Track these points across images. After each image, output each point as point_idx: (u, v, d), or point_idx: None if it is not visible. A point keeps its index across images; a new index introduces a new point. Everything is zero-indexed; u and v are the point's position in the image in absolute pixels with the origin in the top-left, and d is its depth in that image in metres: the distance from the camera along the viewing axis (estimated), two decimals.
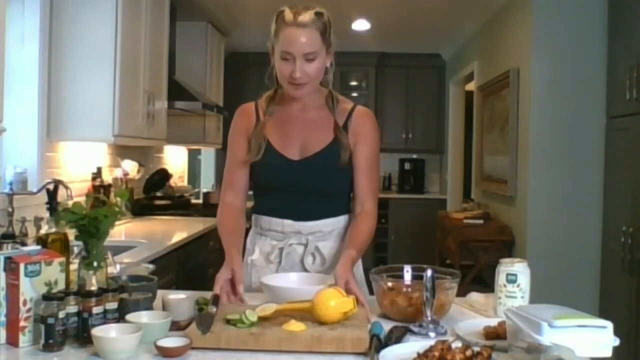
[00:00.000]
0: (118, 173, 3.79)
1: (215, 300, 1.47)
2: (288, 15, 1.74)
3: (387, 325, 1.44)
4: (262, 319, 1.37)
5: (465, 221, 4.96)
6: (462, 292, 1.73)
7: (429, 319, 1.44)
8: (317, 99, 1.89)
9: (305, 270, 1.85)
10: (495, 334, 1.40)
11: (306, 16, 1.73)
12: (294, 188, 1.83)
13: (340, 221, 1.89)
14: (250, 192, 1.95)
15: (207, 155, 6.76)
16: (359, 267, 1.87)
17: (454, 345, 1.20)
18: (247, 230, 1.96)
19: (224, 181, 1.93)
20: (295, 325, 1.33)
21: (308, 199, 1.83)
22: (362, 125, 1.86)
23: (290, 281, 1.73)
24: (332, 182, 1.85)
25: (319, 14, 1.76)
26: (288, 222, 1.85)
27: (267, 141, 1.85)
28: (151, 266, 1.87)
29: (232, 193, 1.90)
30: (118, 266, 1.69)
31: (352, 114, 1.88)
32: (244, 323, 1.33)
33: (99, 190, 3.42)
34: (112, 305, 1.37)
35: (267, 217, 1.88)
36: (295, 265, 1.86)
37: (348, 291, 1.51)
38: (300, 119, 1.87)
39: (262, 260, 1.89)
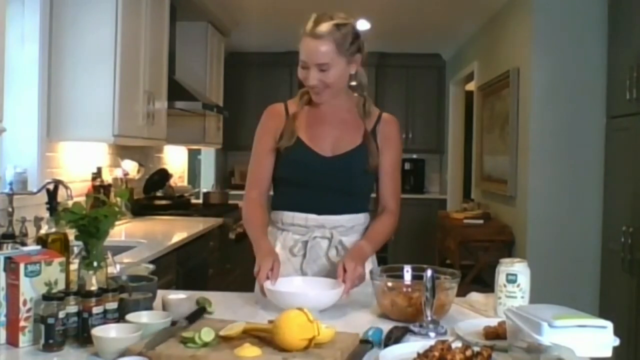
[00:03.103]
0: (118, 173, 3.79)
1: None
2: (309, 24, 1.82)
3: (387, 325, 1.44)
4: (224, 339, 1.28)
5: (465, 221, 4.96)
6: (462, 292, 1.73)
7: (429, 319, 1.44)
8: (347, 103, 1.96)
9: (330, 262, 1.87)
10: (495, 334, 1.40)
11: (323, 27, 1.79)
12: (322, 183, 1.88)
13: (360, 218, 1.95)
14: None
15: (207, 155, 6.75)
16: (370, 264, 1.90)
17: (454, 345, 1.20)
18: None
19: (248, 177, 1.98)
20: (248, 350, 1.20)
21: (333, 195, 1.88)
22: (390, 131, 1.95)
23: (295, 286, 1.72)
24: (359, 182, 1.92)
25: (339, 25, 1.82)
26: (312, 217, 1.88)
27: (298, 137, 1.89)
28: (151, 266, 1.87)
29: (257, 189, 1.95)
30: (118, 266, 1.69)
31: (379, 120, 1.95)
32: (195, 343, 1.24)
33: (99, 190, 3.41)
34: (112, 305, 1.37)
35: (290, 212, 1.91)
36: (319, 259, 1.89)
37: (341, 275, 1.66)
38: (331, 119, 1.93)
39: (284, 255, 1.90)
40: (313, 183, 1.88)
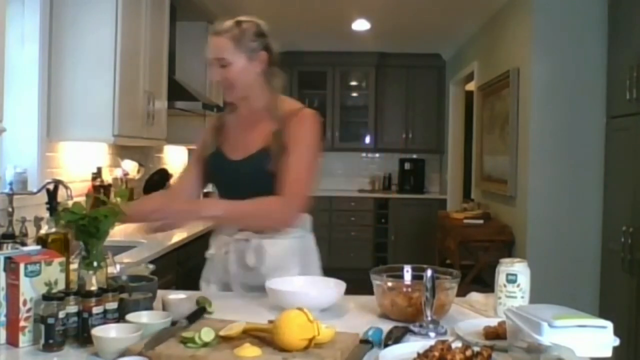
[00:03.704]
0: (118, 173, 3.79)
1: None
2: (214, 26, 1.91)
3: (387, 325, 1.44)
4: (224, 339, 1.28)
5: (465, 221, 4.96)
6: (462, 292, 1.73)
7: (429, 319, 1.44)
8: (260, 103, 1.94)
9: (250, 265, 1.89)
10: (495, 334, 1.40)
11: (223, 25, 1.89)
12: (232, 187, 1.92)
13: None
14: None
15: None
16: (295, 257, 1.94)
17: (454, 345, 1.20)
18: None
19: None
20: (248, 350, 1.20)
21: (246, 198, 1.82)
22: (295, 126, 1.88)
23: (295, 285, 1.73)
24: (265, 183, 1.84)
25: (239, 22, 1.90)
26: None
27: (218, 145, 1.97)
28: (151, 266, 1.87)
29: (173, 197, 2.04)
30: (118, 266, 1.69)
31: (291, 117, 1.90)
32: (195, 343, 1.24)
33: (99, 190, 3.42)
34: (112, 305, 1.37)
35: None
36: (241, 260, 1.91)
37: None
38: (245, 122, 1.96)
39: (217, 255, 1.98)
40: (227, 187, 1.95)
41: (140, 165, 3.94)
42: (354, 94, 7.74)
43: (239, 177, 1.90)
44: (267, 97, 1.94)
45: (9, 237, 2.49)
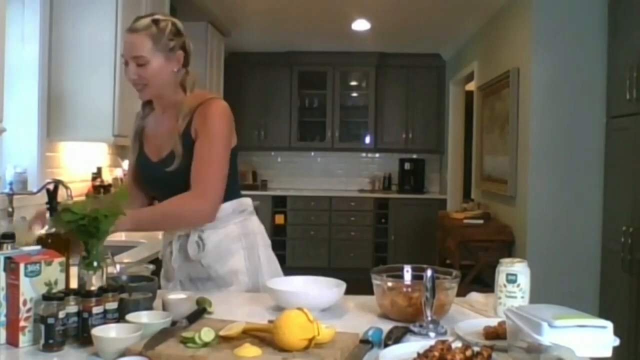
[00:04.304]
0: (118, 173, 3.79)
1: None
2: (131, 23, 1.87)
3: (387, 325, 1.44)
4: (224, 339, 1.28)
5: (465, 221, 4.96)
6: (462, 292, 1.73)
7: (429, 319, 1.44)
8: (172, 102, 1.93)
9: (192, 259, 1.91)
10: (495, 334, 1.40)
11: (141, 22, 1.85)
12: (159, 188, 1.95)
13: None
14: None
15: None
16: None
17: (454, 345, 1.20)
18: None
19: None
20: (248, 350, 1.20)
21: (172, 196, 1.84)
22: (200, 120, 1.86)
23: (295, 285, 1.73)
24: (180, 182, 1.84)
25: (156, 21, 1.86)
26: None
27: (141, 145, 1.98)
28: (151, 266, 1.87)
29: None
30: (118, 266, 1.69)
31: (195, 111, 1.87)
32: (195, 343, 1.24)
33: (99, 190, 3.41)
34: (112, 305, 1.37)
35: None
36: (183, 255, 1.93)
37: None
38: (159, 122, 1.96)
39: (164, 255, 2.01)
40: (156, 188, 1.98)
41: None
42: (354, 94, 7.74)
43: (161, 178, 1.90)
44: (180, 95, 1.92)
45: (9, 237, 2.49)
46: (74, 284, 1.46)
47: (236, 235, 1.96)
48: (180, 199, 1.82)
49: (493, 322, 1.45)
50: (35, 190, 2.80)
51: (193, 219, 1.87)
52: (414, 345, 1.28)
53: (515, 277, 1.59)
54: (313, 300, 1.59)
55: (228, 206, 1.93)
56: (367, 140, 7.53)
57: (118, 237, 3.15)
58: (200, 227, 1.91)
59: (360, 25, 5.88)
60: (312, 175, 7.76)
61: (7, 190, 2.67)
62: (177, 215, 1.84)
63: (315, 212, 7.16)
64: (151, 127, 1.99)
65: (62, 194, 2.71)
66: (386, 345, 1.31)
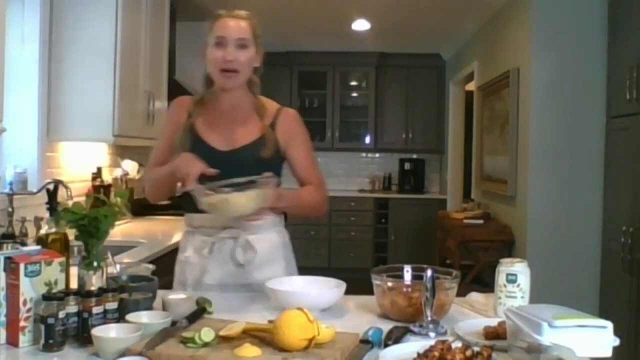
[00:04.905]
0: (118, 173, 3.79)
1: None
2: (223, 12, 1.88)
3: (387, 325, 1.44)
4: (224, 339, 1.28)
5: (465, 221, 4.96)
6: (462, 292, 1.73)
7: (429, 319, 1.44)
8: (245, 101, 1.94)
9: (236, 263, 1.88)
10: (495, 334, 1.40)
11: (240, 12, 1.88)
12: (214, 177, 1.84)
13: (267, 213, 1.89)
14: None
15: None
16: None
17: (454, 345, 1.20)
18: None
19: (152, 159, 2.02)
20: (248, 350, 1.20)
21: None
22: (291, 126, 1.95)
23: (295, 285, 1.73)
24: (254, 173, 1.79)
25: (251, 16, 1.90)
26: (219, 216, 1.84)
27: (197, 135, 1.90)
28: (151, 266, 1.87)
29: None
30: (118, 266, 1.69)
31: (278, 115, 1.94)
32: (195, 343, 1.24)
33: (99, 190, 3.41)
34: (112, 305, 1.37)
35: (199, 214, 1.85)
36: (226, 259, 1.89)
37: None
38: (228, 116, 1.93)
39: (194, 257, 1.93)
40: (212, 179, 1.84)
41: (140, 165, 3.94)
42: (354, 94, 7.74)
43: (230, 168, 1.80)
44: (250, 94, 1.94)
45: (9, 237, 2.49)
46: (74, 284, 1.46)
47: (277, 243, 1.95)
48: (315, 191, 1.94)
49: (493, 322, 1.45)
50: (35, 190, 2.80)
51: (323, 209, 1.99)
52: (414, 345, 1.28)
53: (515, 277, 1.59)
54: (313, 300, 1.59)
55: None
56: (367, 140, 7.53)
57: (118, 237, 3.16)
58: (248, 231, 1.88)
59: (360, 25, 5.88)
60: None
61: (7, 190, 2.67)
62: (318, 206, 1.97)
63: None
64: (215, 117, 1.92)
65: (62, 194, 2.71)
66: (386, 345, 1.31)
